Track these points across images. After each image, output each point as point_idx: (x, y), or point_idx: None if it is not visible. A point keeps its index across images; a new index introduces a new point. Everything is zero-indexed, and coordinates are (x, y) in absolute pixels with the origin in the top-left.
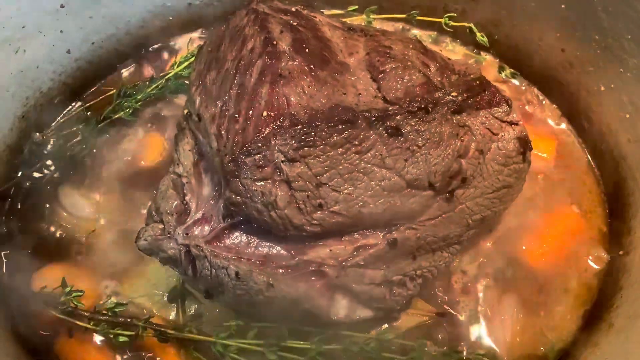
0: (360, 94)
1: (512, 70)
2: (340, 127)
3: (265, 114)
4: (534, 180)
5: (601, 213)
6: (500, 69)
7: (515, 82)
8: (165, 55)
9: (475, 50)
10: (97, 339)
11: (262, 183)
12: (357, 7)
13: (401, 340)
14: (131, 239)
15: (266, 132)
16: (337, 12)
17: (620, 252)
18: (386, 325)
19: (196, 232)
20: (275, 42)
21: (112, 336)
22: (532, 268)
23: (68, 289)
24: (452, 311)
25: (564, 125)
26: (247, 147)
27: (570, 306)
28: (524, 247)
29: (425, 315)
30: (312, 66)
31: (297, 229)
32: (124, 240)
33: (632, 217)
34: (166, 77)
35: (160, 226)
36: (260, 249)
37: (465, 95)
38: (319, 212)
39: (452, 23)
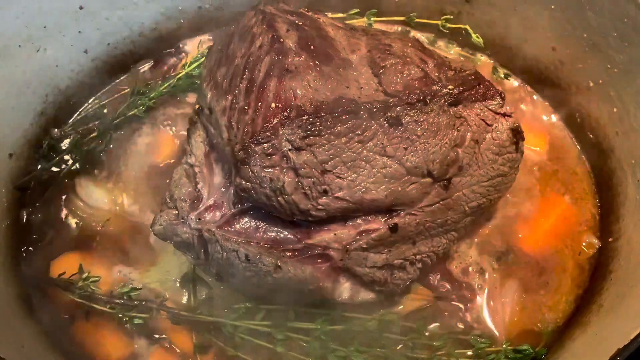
0: (362, 87)
1: (505, 71)
2: (344, 117)
3: (273, 105)
4: (529, 172)
5: (592, 202)
6: (494, 70)
7: (509, 81)
8: (177, 56)
9: (470, 52)
10: (113, 321)
11: (270, 170)
12: (358, 10)
13: (402, 322)
14: (143, 228)
15: (274, 123)
16: (339, 15)
17: (610, 239)
18: (387, 309)
19: (208, 218)
20: (282, 40)
21: (127, 319)
22: (528, 254)
23: (85, 275)
24: (451, 296)
25: (555, 120)
26: (256, 136)
27: (564, 289)
28: (520, 235)
29: (424, 299)
30: (316, 62)
31: (303, 214)
32: (137, 230)
33: (621, 205)
34: (177, 76)
35: (175, 212)
36: (268, 233)
37: (461, 89)
38: (324, 197)
39: (448, 25)
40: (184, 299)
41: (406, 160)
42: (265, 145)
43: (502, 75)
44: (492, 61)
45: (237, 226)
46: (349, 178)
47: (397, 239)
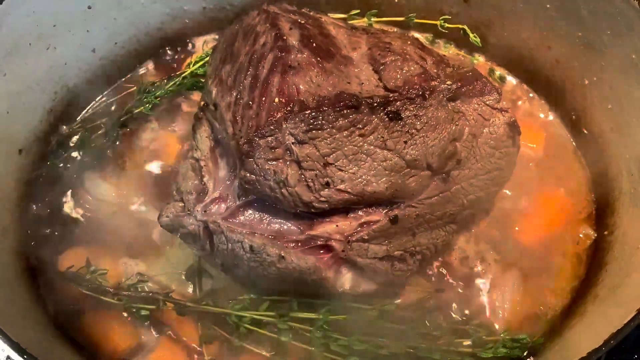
0: (363, 83)
1: (502, 70)
2: (345, 111)
3: (276, 100)
4: (526, 168)
5: (587, 196)
6: (491, 70)
7: (506, 80)
8: (182, 55)
9: (468, 52)
10: (120, 313)
11: (274, 163)
12: (358, 11)
13: (402, 312)
14: (149, 222)
15: (278, 117)
16: (340, 15)
17: (606, 232)
18: (388, 300)
19: (213, 210)
20: (285, 38)
21: (134, 310)
22: (527, 245)
23: (92, 268)
24: (450, 287)
25: (551, 118)
26: (260, 130)
27: (565, 274)
28: (517, 228)
29: (424, 290)
30: (318, 58)
31: (306, 206)
32: (142, 223)
33: (616, 200)
34: (182, 75)
35: (181, 204)
36: (272, 224)
37: (459, 84)
38: (326, 189)
39: (447, 25)
40: (190, 291)
41: (406, 154)
42: (269, 138)
43: (499, 75)
44: (489, 61)
45: (242, 218)
46: (351, 171)
47: (398, 231)
